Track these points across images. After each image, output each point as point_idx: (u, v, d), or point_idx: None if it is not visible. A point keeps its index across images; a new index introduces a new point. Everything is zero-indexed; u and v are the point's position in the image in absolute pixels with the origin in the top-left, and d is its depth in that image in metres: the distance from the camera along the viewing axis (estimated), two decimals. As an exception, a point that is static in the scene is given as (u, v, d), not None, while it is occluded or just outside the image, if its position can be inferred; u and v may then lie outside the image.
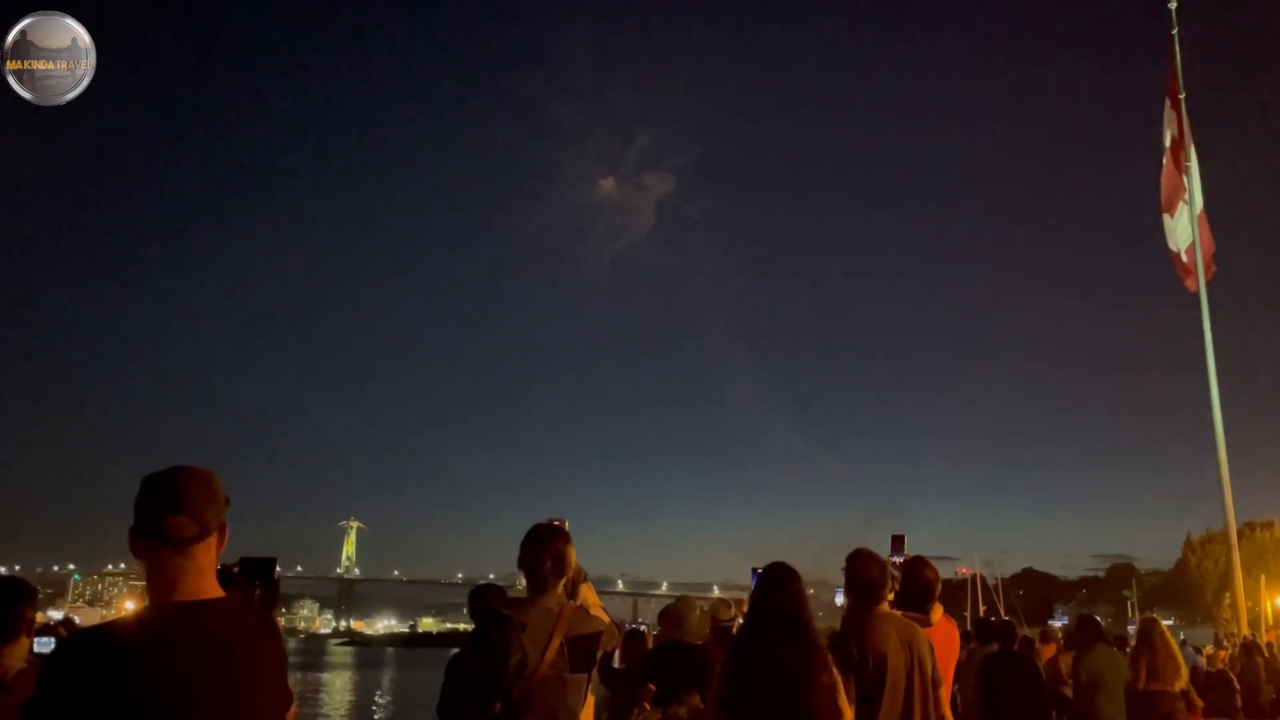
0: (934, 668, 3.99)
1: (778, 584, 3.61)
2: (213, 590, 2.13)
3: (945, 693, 4.27)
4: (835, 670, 3.49)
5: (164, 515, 2.08)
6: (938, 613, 4.67)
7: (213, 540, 2.15)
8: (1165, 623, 8.53)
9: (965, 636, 8.87)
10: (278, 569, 3.71)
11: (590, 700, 3.58)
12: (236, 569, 3.76)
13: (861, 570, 4.05)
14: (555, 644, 3.27)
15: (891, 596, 4.69)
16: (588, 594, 3.76)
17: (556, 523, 3.88)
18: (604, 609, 3.83)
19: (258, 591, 3.59)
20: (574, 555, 3.58)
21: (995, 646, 8.45)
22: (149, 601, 2.09)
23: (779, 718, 3.34)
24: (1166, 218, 18.16)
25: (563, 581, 3.50)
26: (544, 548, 3.48)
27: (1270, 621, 26.28)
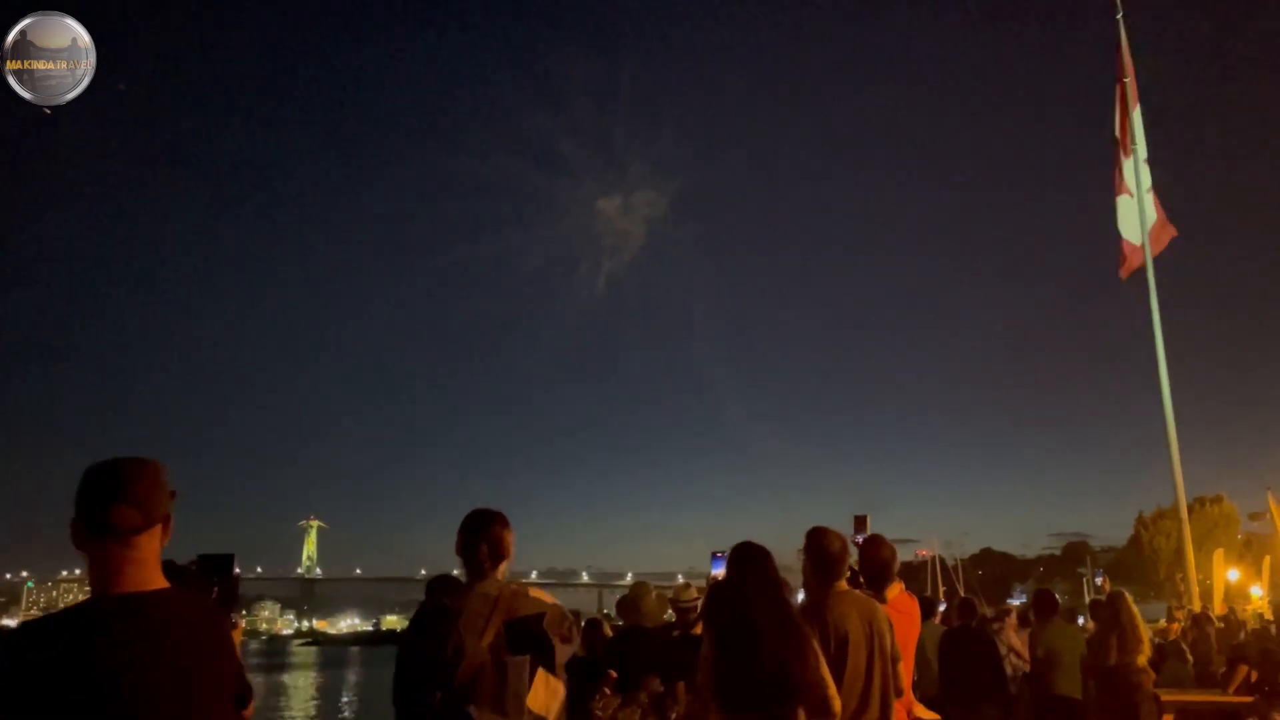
0: (893, 643, 4.03)
1: (753, 562, 3.64)
2: (157, 581, 2.07)
3: (905, 668, 4.33)
4: (816, 644, 3.54)
5: (106, 505, 2.03)
6: (895, 589, 4.72)
7: (157, 531, 2.09)
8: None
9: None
10: (237, 569, 3.63)
11: (545, 681, 3.55)
12: (194, 566, 3.68)
13: (823, 545, 4.07)
14: (493, 629, 3.21)
15: (849, 575, 4.76)
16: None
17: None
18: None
19: (216, 590, 3.52)
20: (512, 538, 3.49)
21: (937, 623, 8.55)
22: (91, 594, 2.04)
23: (772, 694, 3.37)
24: (1121, 200, 18.37)
25: (503, 565, 3.43)
26: (479, 534, 3.42)
27: (1222, 595, 26.84)
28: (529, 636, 3.33)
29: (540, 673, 3.38)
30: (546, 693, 3.30)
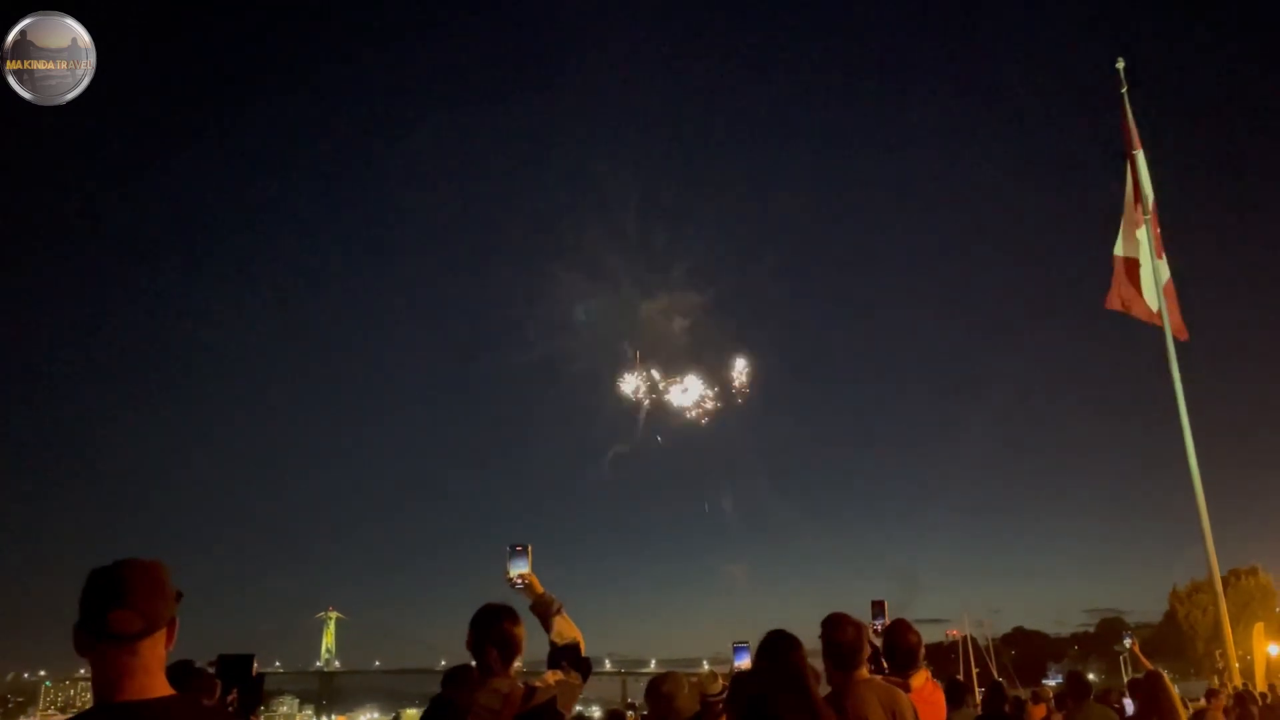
0: (918, 731, 3.91)
1: (779, 651, 3.59)
2: (160, 689, 2.04)
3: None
4: None
5: (108, 611, 2.00)
6: (921, 677, 4.58)
7: (161, 635, 2.06)
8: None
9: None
10: (255, 665, 3.55)
11: None
12: (212, 667, 3.59)
13: (837, 634, 3.99)
14: None
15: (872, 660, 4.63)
16: (564, 626, 3.70)
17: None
18: (579, 637, 3.74)
19: (235, 691, 3.45)
20: (523, 633, 3.50)
21: (974, 709, 8.29)
22: (94, 703, 2.00)
23: None
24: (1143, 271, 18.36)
25: (515, 661, 3.43)
26: (488, 634, 3.42)
27: (1264, 671, 26.01)
28: None
29: None
30: None
